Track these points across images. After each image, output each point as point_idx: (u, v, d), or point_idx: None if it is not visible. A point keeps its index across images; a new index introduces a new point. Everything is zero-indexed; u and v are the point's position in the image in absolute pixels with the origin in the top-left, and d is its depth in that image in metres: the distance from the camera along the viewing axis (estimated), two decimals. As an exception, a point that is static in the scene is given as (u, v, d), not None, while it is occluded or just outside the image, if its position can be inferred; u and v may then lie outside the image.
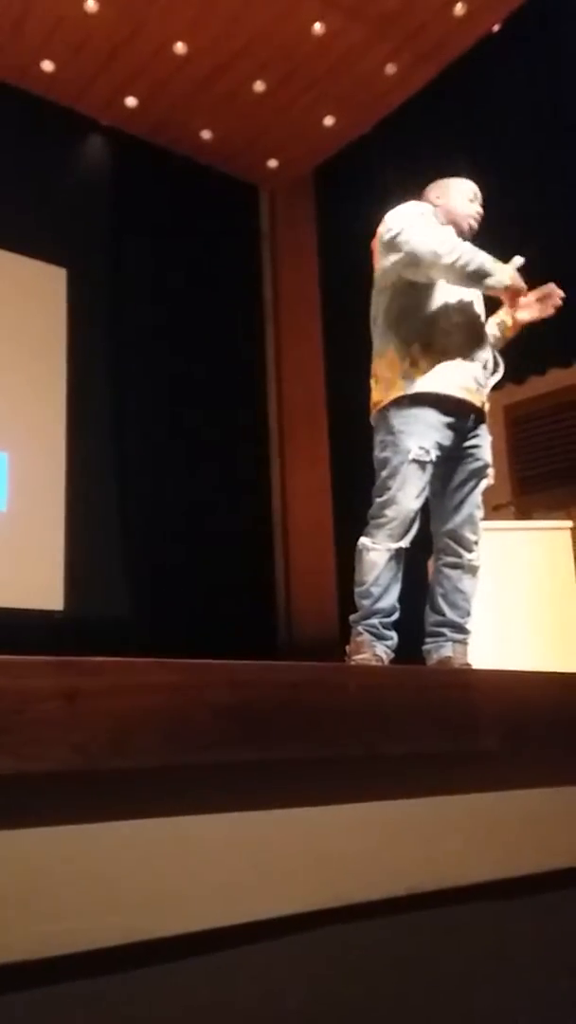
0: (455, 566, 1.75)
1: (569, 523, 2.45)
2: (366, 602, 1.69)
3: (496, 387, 3.73)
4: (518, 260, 1.76)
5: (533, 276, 3.64)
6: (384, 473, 1.70)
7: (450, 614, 1.74)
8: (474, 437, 1.78)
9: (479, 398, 1.75)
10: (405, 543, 1.69)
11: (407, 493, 1.66)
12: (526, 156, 3.36)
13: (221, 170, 4.31)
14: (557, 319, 2.94)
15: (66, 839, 0.54)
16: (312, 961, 0.63)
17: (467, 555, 1.75)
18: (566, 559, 2.33)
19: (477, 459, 1.78)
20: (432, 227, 1.76)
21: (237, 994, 0.60)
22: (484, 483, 1.79)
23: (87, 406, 3.76)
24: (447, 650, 1.72)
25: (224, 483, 3.96)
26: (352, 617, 1.74)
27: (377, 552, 1.68)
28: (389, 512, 1.68)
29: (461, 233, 1.87)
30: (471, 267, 1.68)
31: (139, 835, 0.56)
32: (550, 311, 1.83)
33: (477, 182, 3.71)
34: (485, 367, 1.77)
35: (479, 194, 1.94)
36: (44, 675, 0.54)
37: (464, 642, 1.74)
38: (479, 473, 1.78)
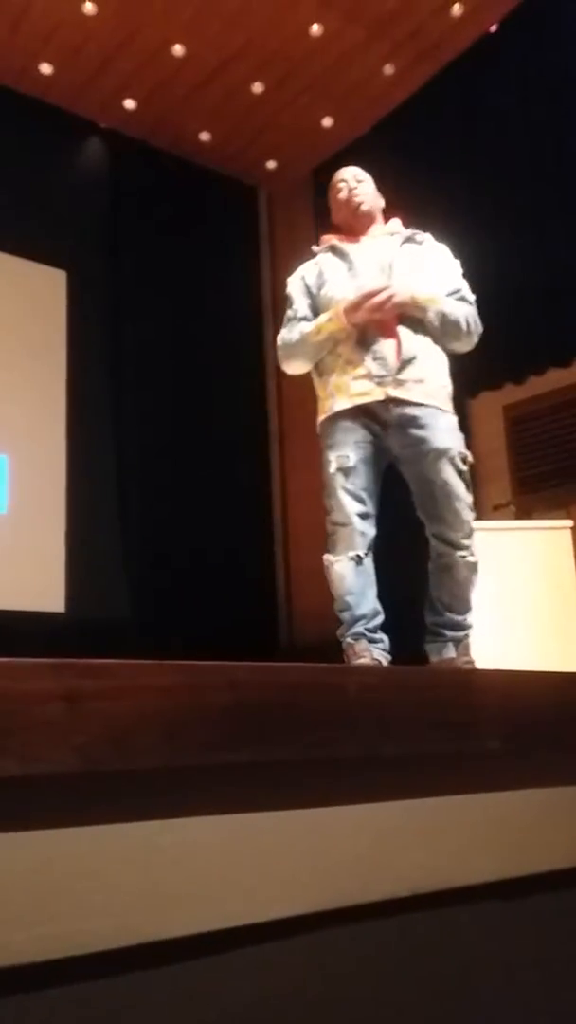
0: (446, 566, 1.72)
1: (569, 522, 2.45)
2: (346, 613, 1.72)
3: (495, 387, 3.74)
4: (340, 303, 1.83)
5: (532, 275, 3.62)
6: (325, 491, 1.77)
7: (448, 613, 1.73)
8: (417, 427, 1.71)
9: (383, 391, 1.71)
10: (363, 549, 1.72)
11: (343, 502, 1.72)
12: (524, 155, 3.37)
13: (220, 171, 4.32)
14: (556, 319, 2.96)
15: (67, 841, 0.54)
16: (314, 963, 0.63)
17: (456, 552, 1.70)
18: (566, 558, 2.33)
19: (430, 449, 1.70)
20: (284, 323, 1.91)
21: (238, 996, 0.60)
22: (450, 470, 1.69)
23: (87, 408, 3.76)
24: (449, 651, 1.71)
25: (225, 485, 3.96)
26: (339, 632, 1.75)
27: (340, 563, 1.72)
28: (336, 525, 1.74)
29: (352, 220, 1.92)
30: (298, 343, 1.84)
31: (140, 837, 0.56)
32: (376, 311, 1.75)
33: (475, 181, 3.71)
34: (377, 357, 1.73)
35: (344, 177, 1.95)
36: (44, 677, 0.54)
37: (465, 639, 1.73)
38: (438, 461, 1.69)
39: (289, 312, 1.91)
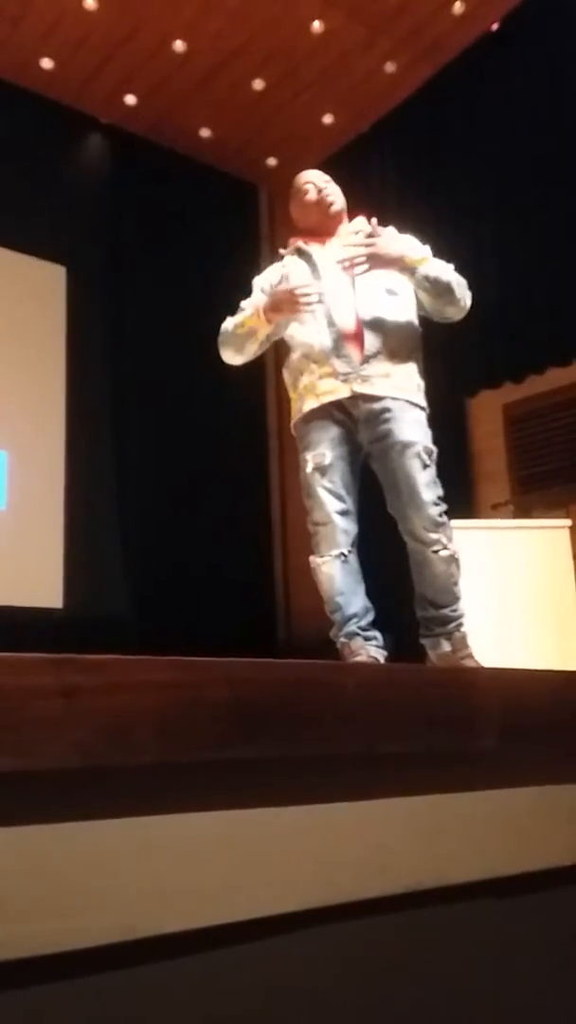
0: (420, 562, 1.70)
1: (568, 521, 2.45)
2: (337, 614, 1.72)
3: (495, 386, 3.74)
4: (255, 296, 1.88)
5: (532, 274, 3.61)
6: (303, 492, 1.77)
7: (432, 608, 1.71)
8: (384, 422, 1.70)
9: (348, 388, 1.72)
10: (347, 546, 1.72)
11: (321, 501, 1.73)
12: (524, 154, 3.36)
13: (220, 168, 4.31)
14: (556, 318, 2.94)
15: (64, 836, 0.54)
16: (310, 958, 0.64)
17: (427, 549, 1.67)
18: (565, 557, 2.33)
19: (395, 442, 1.68)
20: (237, 313, 1.91)
21: (236, 991, 0.60)
22: (415, 464, 1.66)
23: (86, 404, 3.76)
24: (444, 646, 1.70)
25: (223, 481, 3.96)
26: (332, 632, 1.75)
27: (327, 563, 1.73)
28: (317, 525, 1.74)
29: (327, 220, 1.92)
30: (227, 333, 1.88)
31: (138, 832, 0.57)
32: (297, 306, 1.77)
33: (475, 179, 3.70)
34: (341, 354, 1.73)
35: (311, 180, 1.96)
36: (43, 672, 0.54)
37: (457, 631, 1.70)
38: (403, 456, 1.67)
39: (241, 305, 1.92)
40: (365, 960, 0.67)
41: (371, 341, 1.74)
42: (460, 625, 1.71)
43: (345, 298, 1.78)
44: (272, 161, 4.33)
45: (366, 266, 1.73)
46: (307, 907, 0.63)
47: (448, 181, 3.61)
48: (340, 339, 1.74)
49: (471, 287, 1.88)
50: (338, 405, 1.74)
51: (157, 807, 0.58)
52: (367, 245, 1.73)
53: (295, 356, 1.82)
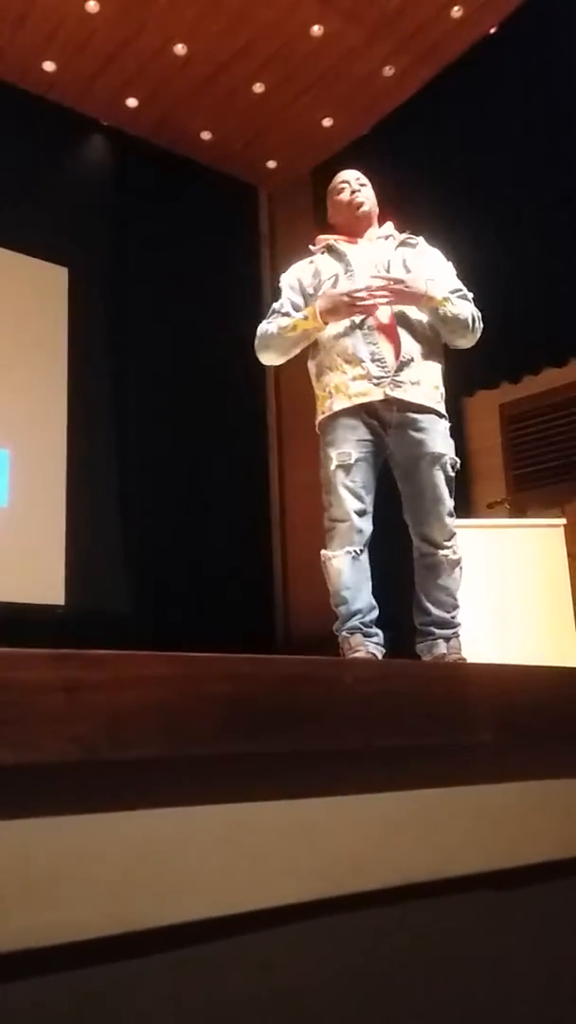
0: (431, 565, 1.76)
1: (563, 520, 2.47)
2: (342, 607, 1.74)
3: (491, 386, 3.76)
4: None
5: (529, 275, 3.63)
6: (324, 488, 1.79)
7: (435, 612, 1.75)
8: (415, 430, 1.76)
9: (381, 391, 1.75)
10: (360, 545, 1.75)
11: (341, 499, 1.75)
12: (522, 156, 3.38)
13: (220, 170, 4.33)
14: (552, 319, 2.94)
15: (65, 829, 0.55)
16: (309, 950, 0.64)
17: (439, 551, 1.75)
18: (560, 555, 2.35)
19: (426, 453, 1.76)
20: (268, 314, 1.92)
21: (233, 984, 0.61)
22: (441, 476, 1.75)
23: (88, 403, 3.78)
24: (440, 648, 1.74)
25: (223, 479, 3.98)
26: (335, 626, 1.77)
27: (338, 559, 1.75)
28: (334, 521, 1.76)
29: (355, 220, 1.94)
30: (272, 336, 1.86)
31: (138, 826, 0.57)
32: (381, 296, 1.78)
33: (474, 182, 3.71)
34: (375, 358, 1.76)
35: (348, 178, 1.98)
36: (44, 667, 0.55)
37: (455, 635, 1.75)
38: (433, 466, 1.75)
39: (275, 305, 1.93)
40: (363, 952, 0.68)
41: (405, 347, 1.77)
42: (457, 632, 1.76)
43: (380, 300, 1.80)
44: (272, 163, 4.35)
45: (388, 299, 1.77)
46: (306, 900, 0.64)
47: (446, 184, 3.63)
48: (375, 342, 1.77)
49: (468, 288, 1.90)
50: (368, 407, 1.76)
51: (157, 801, 0.59)
52: (395, 281, 1.76)
53: (326, 353, 1.82)
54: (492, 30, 3.54)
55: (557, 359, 3.21)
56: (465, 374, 3.47)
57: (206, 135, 4.13)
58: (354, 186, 1.94)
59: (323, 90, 3.84)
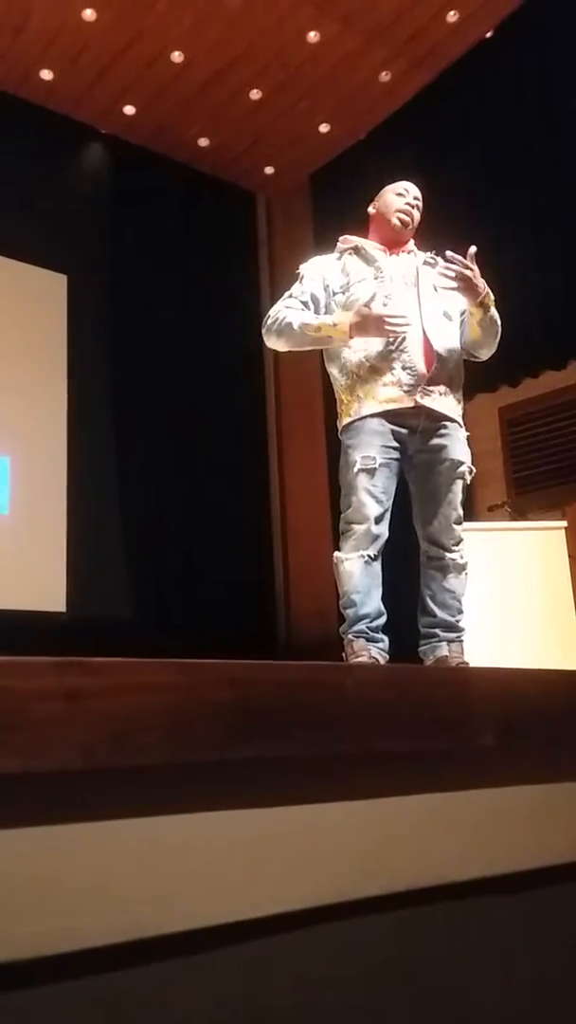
0: (439, 567, 1.78)
1: (563, 523, 2.47)
2: (351, 610, 1.75)
3: (491, 389, 3.77)
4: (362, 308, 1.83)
5: (528, 279, 3.64)
6: (344, 490, 1.80)
7: (441, 614, 1.76)
8: (438, 437, 1.78)
9: (411, 399, 1.76)
10: (374, 550, 1.75)
11: (362, 502, 1.75)
12: (518, 161, 3.39)
13: (218, 177, 4.34)
14: (551, 323, 2.92)
15: (68, 837, 0.55)
16: (311, 957, 0.64)
17: (448, 555, 1.77)
18: (561, 558, 2.35)
19: (446, 459, 1.78)
20: (285, 297, 1.90)
21: (237, 990, 0.60)
22: (458, 483, 1.79)
23: (88, 410, 3.78)
24: (442, 650, 1.74)
25: (223, 485, 3.98)
26: (342, 628, 1.77)
27: (350, 561, 1.75)
28: (352, 524, 1.77)
29: (390, 229, 1.93)
30: (289, 326, 1.83)
31: (140, 833, 0.57)
32: (465, 277, 1.77)
33: (471, 186, 3.72)
34: (407, 366, 1.77)
35: (410, 189, 1.99)
36: (46, 675, 0.55)
37: (458, 640, 1.76)
38: (451, 472, 1.78)
39: (295, 289, 1.91)
40: (365, 958, 0.68)
41: (437, 357, 1.79)
42: (461, 637, 1.77)
43: (411, 311, 1.81)
44: (269, 169, 4.36)
45: (456, 285, 1.77)
46: (308, 906, 0.64)
47: (443, 189, 3.63)
48: (406, 350, 1.78)
49: None
50: (396, 413, 1.77)
51: (160, 808, 0.59)
52: (468, 268, 1.76)
53: (355, 358, 1.82)
54: (488, 35, 3.55)
55: (556, 362, 3.22)
56: (464, 377, 3.48)
57: (204, 142, 4.15)
58: (410, 200, 1.95)
59: (320, 96, 3.86)
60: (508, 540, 2.40)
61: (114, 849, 0.56)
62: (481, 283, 1.78)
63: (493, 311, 1.83)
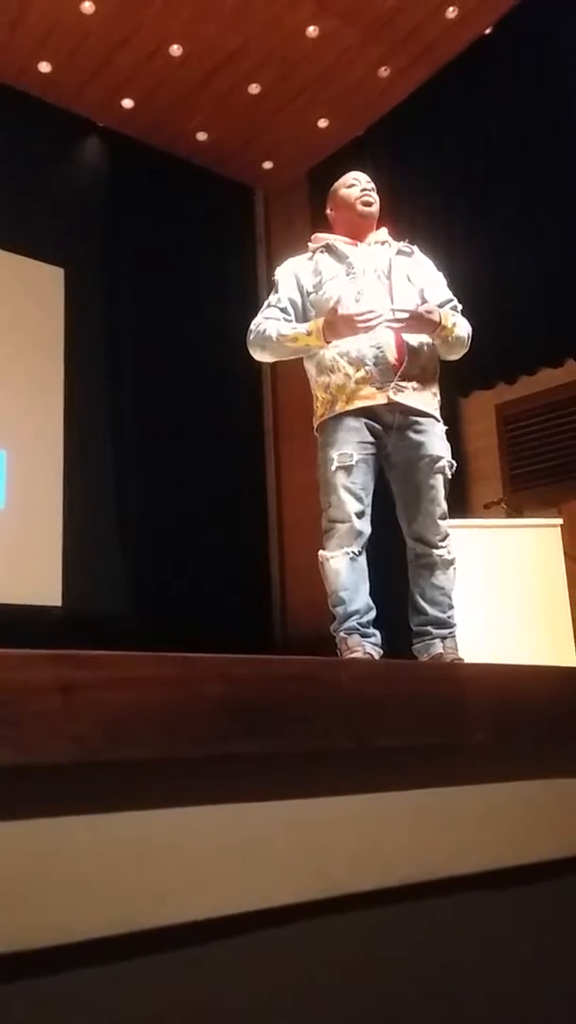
0: (426, 564, 1.77)
1: (559, 520, 2.47)
2: (340, 608, 1.75)
3: (488, 386, 3.77)
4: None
5: (526, 276, 3.64)
6: (323, 488, 1.80)
7: (432, 611, 1.76)
8: (415, 433, 1.78)
9: (384, 395, 1.75)
10: (358, 546, 1.75)
11: (342, 500, 1.75)
12: (517, 157, 3.39)
13: (216, 171, 4.33)
14: (548, 320, 2.92)
15: (63, 830, 0.55)
16: (305, 951, 0.64)
17: (435, 551, 1.76)
18: (556, 555, 2.36)
19: (424, 455, 1.77)
20: (264, 307, 1.91)
21: (235, 983, 0.61)
22: (439, 478, 1.77)
23: (84, 404, 3.77)
24: (436, 647, 1.74)
25: (220, 480, 3.98)
26: (332, 626, 1.77)
27: (336, 559, 1.75)
28: (334, 522, 1.77)
29: (356, 217, 1.94)
30: (269, 339, 1.84)
31: (136, 826, 0.57)
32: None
33: (469, 182, 3.72)
34: (379, 362, 1.76)
35: (359, 177, 1.98)
36: (41, 668, 0.55)
37: (451, 636, 1.76)
38: (430, 468, 1.77)
39: (272, 298, 1.92)
40: (361, 952, 0.68)
41: (409, 352, 1.78)
42: (454, 632, 1.77)
43: (382, 304, 1.80)
44: (268, 164, 4.35)
45: (407, 322, 1.78)
46: (304, 900, 0.64)
47: (441, 185, 3.63)
48: (379, 346, 1.77)
49: (465, 289, 1.91)
50: (370, 410, 1.77)
51: (154, 801, 0.59)
52: (427, 312, 1.77)
53: (328, 354, 1.82)
54: (487, 30, 3.55)
55: (553, 359, 3.22)
56: (461, 375, 3.48)
57: (202, 136, 4.13)
58: (364, 185, 1.95)
59: (319, 91, 3.85)
60: (504, 537, 2.40)
61: (108, 842, 0.56)
62: (436, 315, 1.79)
63: (457, 331, 1.83)
